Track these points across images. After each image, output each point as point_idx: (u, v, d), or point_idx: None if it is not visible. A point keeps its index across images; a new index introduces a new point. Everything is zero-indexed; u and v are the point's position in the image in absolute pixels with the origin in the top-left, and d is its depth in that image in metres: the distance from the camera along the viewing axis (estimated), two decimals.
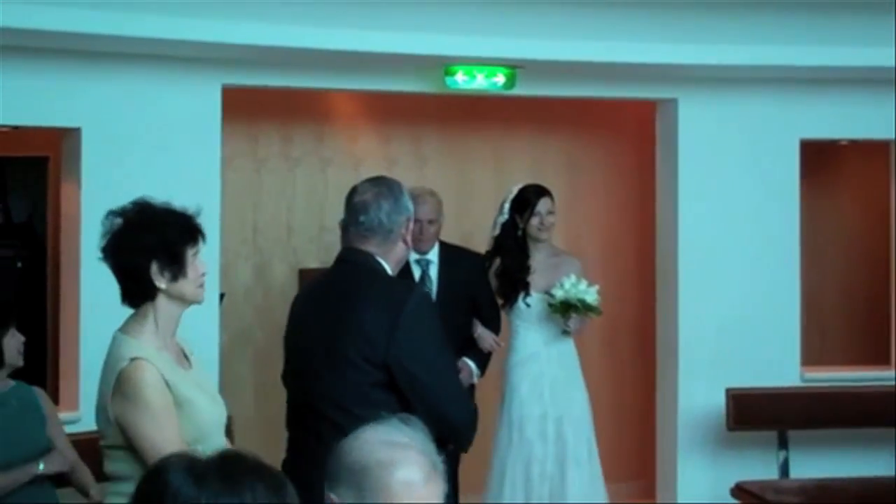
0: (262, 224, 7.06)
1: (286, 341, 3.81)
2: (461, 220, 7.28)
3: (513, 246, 6.04)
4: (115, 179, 5.43)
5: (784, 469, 6.30)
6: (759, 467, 6.33)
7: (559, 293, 5.85)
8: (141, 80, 5.78)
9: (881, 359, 7.11)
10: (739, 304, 6.56)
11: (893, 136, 6.85)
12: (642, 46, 6.12)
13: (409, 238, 3.76)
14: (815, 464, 6.39)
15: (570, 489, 5.84)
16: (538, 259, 6.04)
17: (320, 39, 5.68)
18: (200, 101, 5.89)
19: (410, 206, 3.77)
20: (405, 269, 5.31)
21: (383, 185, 3.84)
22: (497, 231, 6.11)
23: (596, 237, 7.62)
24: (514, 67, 6.23)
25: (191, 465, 1.69)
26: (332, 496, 2.10)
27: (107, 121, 5.71)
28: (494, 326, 5.97)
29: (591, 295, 5.85)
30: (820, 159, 7.37)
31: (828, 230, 7.70)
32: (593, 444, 5.99)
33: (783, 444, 6.32)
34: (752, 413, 6.27)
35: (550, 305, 5.90)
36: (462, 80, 6.18)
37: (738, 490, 6.14)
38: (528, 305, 5.99)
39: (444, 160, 7.44)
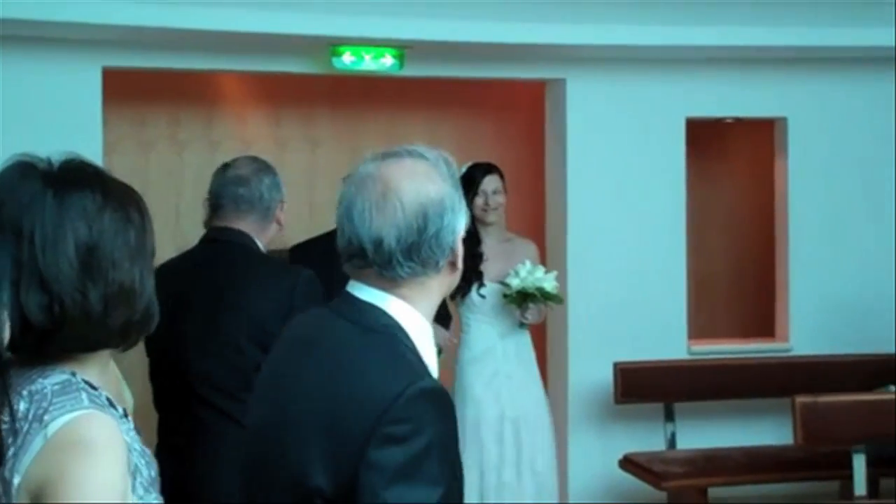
0: (150, 208, 6.90)
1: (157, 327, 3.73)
2: None
3: None
4: None
5: (671, 440, 6.41)
6: (648, 439, 6.43)
7: (515, 282, 5.48)
8: (17, 63, 5.68)
9: (769, 332, 7.26)
10: (627, 280, 6.66)
11: (779, 114, 7.02)
12: (530, 27, 6.17)
13: (282, 219, 3.74)
14: (703, 435, 6.52)
15: (525, 499, 5.51)
16: (489, 245, 5.66)
17: (203, 20, 5.64)
18: (80, 83, 5.82)
19: (284, 189, 3.76)
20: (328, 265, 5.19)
21: (261, 161, 3.83)
22: None
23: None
24: (402, 48, 6.25)
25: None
26: None
27: None
28: (445, 323, 5.47)
29: (549, 282, 5.52)
30: (707, 137, 7.49)
31: (715, 207, 7.84)
32: (551, 451, 5.69)
33: (670, 415, 6.43)
34: (639, 386, 6.37)
35: (506, 296, 5.53)
36: (349, 61, 6.17)
37: (626, 462, 6.24)
38: (482, 297, 5.61)
39: (336, 142, 7.44)
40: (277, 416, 2.06)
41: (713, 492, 6.14)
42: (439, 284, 2.13)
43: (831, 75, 6.91)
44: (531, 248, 5.79)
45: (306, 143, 7.41)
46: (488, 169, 5.73)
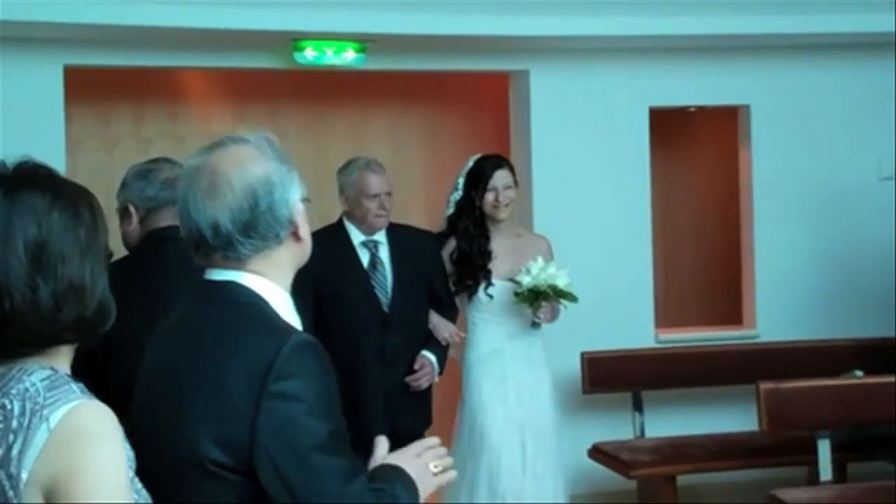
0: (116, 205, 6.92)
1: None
2: (322, 196, 7.26)
3: (470, 227, 5.40)
4: None
5: (640, 429, 6.44)
6: (617, 428, 6.46)
7: (526, 280, 5.25)
8: None
9: (737, 320, 7.30)
10: (594, 271, 6.66)
11: (742, 102, 7.05)
12: (493, 19, 6.18)
13: None
14: (672, 423, 6.55)
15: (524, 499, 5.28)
16: (499, 241, 5.43)
17: (164, 17, 5.64)
18: (42, 82, 5.81)
19: None
20: (351, 254, 5.05)
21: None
22: (451, 210, 5.49)
23: None
24: (365, 42, 6.25)
25: None
26: None
27: None
28: (451, 315, 5.33)
29: (562, 279, 5.28)
30: (671, 126, 7.52)
31: (681, 196, 7.87)
32: (555, 457, 5.43)
33: (637, 404, 6.46)
34: (607, 375, 6.40)
35: (517, 294, 5.28)
36: (311, 56, 6.17)
37: (595, 451, 6.27)
38: (490, 296, 5.38)
39: (302, 136, 7.41)
40: (163, 398, 2.19)
41: (682, 479, 6.18)
42: (288, 255, 2.28)
43: (794, 63, 6.95)
44: (543, 243, 5.57)
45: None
46: (498, 163, 5.48)
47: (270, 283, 2.26)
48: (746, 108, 7.04)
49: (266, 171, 2.22)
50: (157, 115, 7.15)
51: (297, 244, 2.29)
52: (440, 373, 5.18)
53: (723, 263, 7.66)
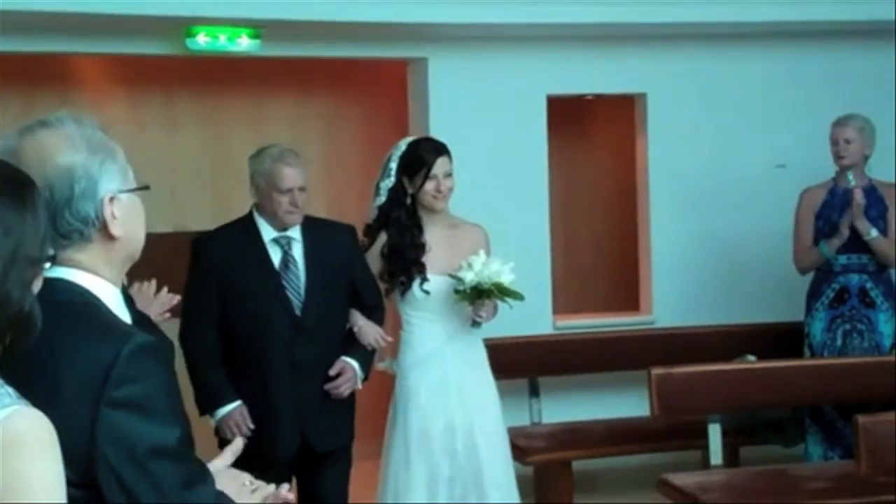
0: None
1: None
2: (218, 185, 7.22)
3: (402, 217, 4.92)
4: None
5: (538, 415, 6.47)
6: (515, 415, 6.47)
7: (468, 276, 4.76)
8: None
9: (636, 306, 7.37)
10: (492, 258, 6.67)
11: (638, 91, 7.11)
12: (389, 6, 6.16)
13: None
14: (569, 409, 6.59)
15: None
16: (433, 233, 4.96)
17: (54, 2, 5.51)
18: None
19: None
20: (260, 251, 4.64)
21: None
22: (381, 199, 4.99)
23: (356, 197, 7.61)
24: (259, 28, 6.19)
25: None
26: None
27: None
28: (378, 316, 4.88)
29: (506, 275, 4.84)
30: (569, 114, 7.55)
31: (579, 183, 7.91)
32: (510, 460, 5.10)
33: (534, 391, 6.50)
34: (504, 363, 6.37)
35: (457, 292, 4.81)
36: (204, 42, 6.10)
37: None
38: (426, 293, 4.90)
39: (198, 123, 7.34)
40: None
41: (578, 465, 6.23)
42: (106, 252, 2.11)
43: (690, 51, 7.02)
44: (480, 233, 5.08)
45: (167, 124, 7.29)
46: (439, 149, 4.98)
47: (98, 280, 2.10)
48: (643, 96, 7.10)
49: (70, 163, 2.05)
50: (47, 101, 7.01)
51: (114, 241, 2.11)
52: (364, 379, 4.79)
53: (622, 250, 7.72)
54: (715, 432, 5.50)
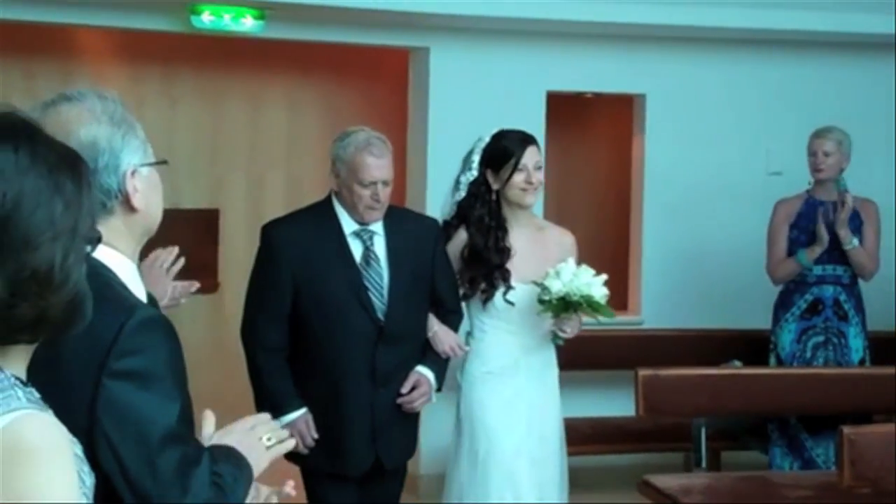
0: None
1: None
2: (214, 165, 7.22)
3: (485, 217, 4.44)
4: None
5: None
6: None
7: (555, 285, 4.25)
8: None
9: (625, 306, 7.37)
10: None
11: (637, 91, 7.12)
12: None
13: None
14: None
15: None
16: (518, 235, 4.48)
17: None
18: None
19: None
20: (340, 245, 4.16)
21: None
22: (461, 195, 4.52)
23: None
24: (263, 9, 6.18)
25: None
26: None
27: None
28: (454, 321, 4.44)
29: (597, 288, 4.32)
30: (568, 112, 7.56)
31: (577, 181, 7.93)
32: (563, 486, 4.65)
33: None
34: None
35: (542, 302, 4.30)
36: (209, 20, 6.09)
37: None
38: (510, 304, 4.43)
39: (196, 101, 7.35)
40: None
41: None
42: (126, 226, 2.13)
43: (691, 55, 7.03)
44: (569, 239, 4.62)
45: (166, 100, 7.29)
46: (526, 138, 4.52)
47: (115, 253, 2.10)
48: (642, 97, 7.11)
49: (94, 136, 2.07)
50: (48, 72, 7.01)
51: (135, 214, 2.13)
52: (438, 390, 4.34)
53: (613, 250, 7.73)
54: (701, 435, 5.52)
